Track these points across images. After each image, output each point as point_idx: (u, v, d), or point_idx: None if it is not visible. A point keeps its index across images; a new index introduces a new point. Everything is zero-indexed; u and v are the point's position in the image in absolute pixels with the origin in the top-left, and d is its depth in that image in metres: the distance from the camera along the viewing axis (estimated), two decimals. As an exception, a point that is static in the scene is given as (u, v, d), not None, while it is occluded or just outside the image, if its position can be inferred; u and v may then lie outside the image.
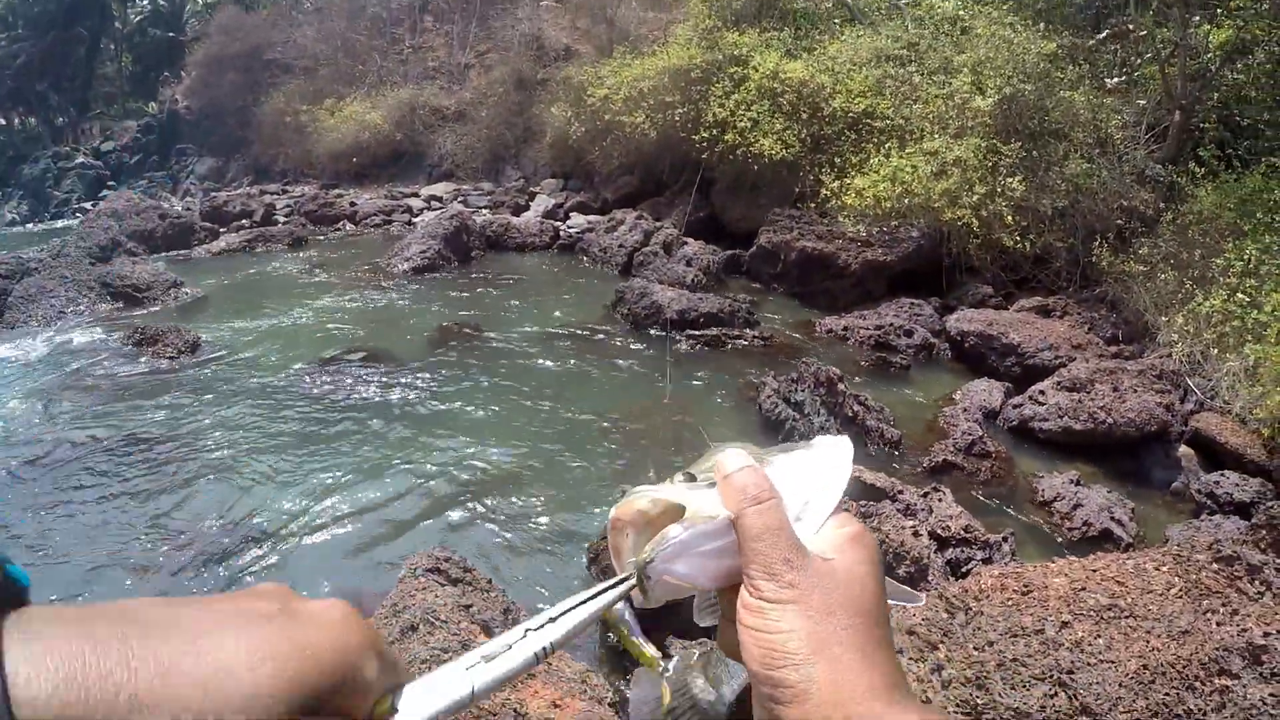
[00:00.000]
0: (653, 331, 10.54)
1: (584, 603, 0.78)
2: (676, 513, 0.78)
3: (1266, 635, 3.03)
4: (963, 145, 11.66)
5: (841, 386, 7.91)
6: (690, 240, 13.44)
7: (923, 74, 13.54)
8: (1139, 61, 13.41)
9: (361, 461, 7.47)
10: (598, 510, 6.57)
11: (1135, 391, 8.07)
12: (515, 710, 3.40)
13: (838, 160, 13.08)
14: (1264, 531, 3.86)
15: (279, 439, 7.97)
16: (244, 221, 18.37)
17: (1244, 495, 6.92)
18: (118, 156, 28.60)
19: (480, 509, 6.66)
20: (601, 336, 10.64)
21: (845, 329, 10.49)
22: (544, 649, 0.74)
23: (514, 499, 6.82)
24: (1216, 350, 8.61)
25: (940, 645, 3.51)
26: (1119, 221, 11.26)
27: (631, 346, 10.33)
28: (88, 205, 20.51)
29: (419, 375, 9.39)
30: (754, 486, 0.75)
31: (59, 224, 19.48)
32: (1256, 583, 3.46)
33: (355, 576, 5.85)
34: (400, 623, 3.69)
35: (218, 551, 6.16)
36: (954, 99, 12.46)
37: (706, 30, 16.15)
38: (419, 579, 4.04)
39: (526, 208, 18.86)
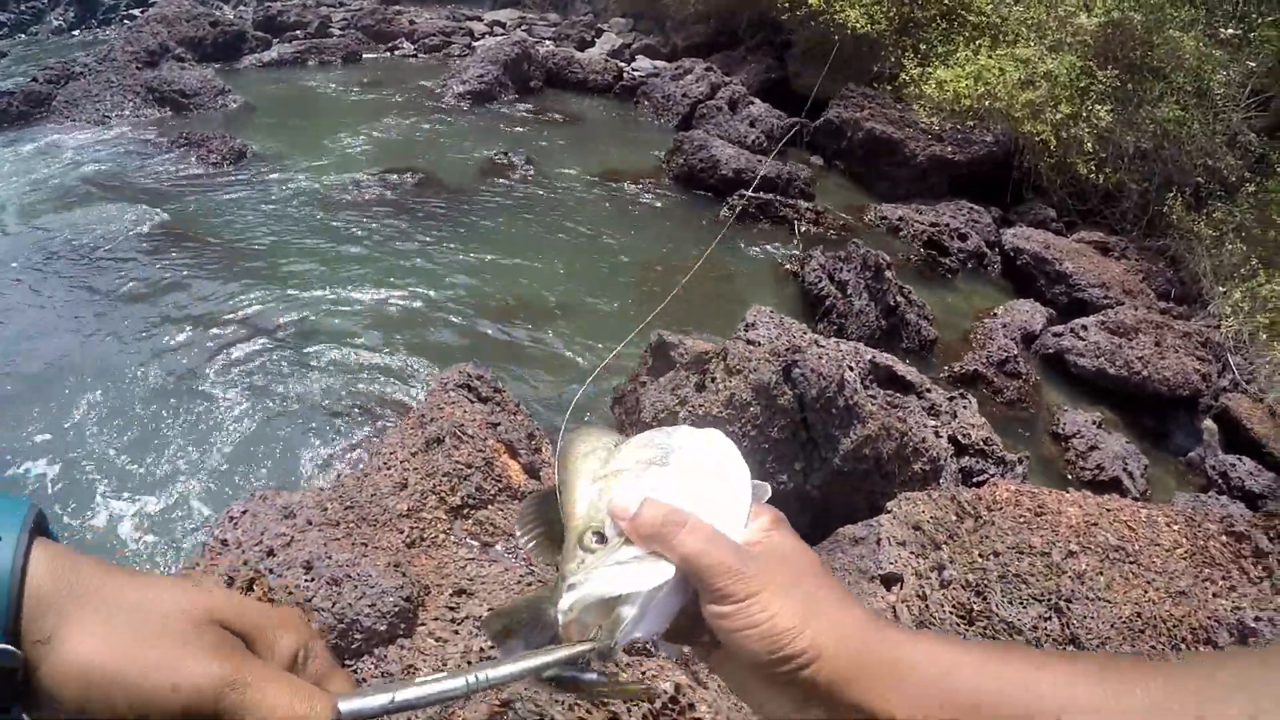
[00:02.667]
0: (704, 192, 10.32)
1: (532, 661, 0.76)
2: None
3: (1258, 619, 3.06)
4: (1057, 60, 11.12)
5: (889, 274, 7.82)
6: (756, 100, 12.93)
7: (1031, -25, 12.83)
8: (1259, 21, 12.60)
9: (399, 274, 7.51)
10: (626, 354, 6.55)
11: (1176, 352, 7.95)
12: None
13: (923, 47, 12.51)
14: (1277, 521, 3.73)
15: (319, 246, 8.03)
16: (297, 33, 17.60)
17: (1255, 485, 6.87)
18: (170, -38, 27.61)
19: (514, 334, 6.74)
20: (652, 186, 10.43)
21: (900, 219, 10.28)
22: (476, 679, 0.76)
23: (548, 331, 6.86)
24: (1266, 335, 8.43)
25: (944, 545, 3.56)
26: (1199, 179, 10.85)
27: (681, 200, 10.16)
28: (136, 11, 19.64)
29: (464, 199, 9.31)
30: (667, 515, 0.77)
31: (107, 31, 18.88)
32: (1259, 566, 3.45)
33: (384, 384, 5.89)
34: (425, 434, 3.66)
35: (252, 351, 6.24)
36: (1058, 9, 11.83)
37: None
38: (449, 393, 4.00)
39: (592, 44, 18.25)
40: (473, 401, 4.00)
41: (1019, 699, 0.68)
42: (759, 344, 4.93)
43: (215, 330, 6.42)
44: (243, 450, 5.25)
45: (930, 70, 11.81)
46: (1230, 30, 12.58)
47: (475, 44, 18.03)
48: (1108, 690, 0.66)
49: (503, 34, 18.34)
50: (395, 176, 9.69)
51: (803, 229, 9.65)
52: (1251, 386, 8.09)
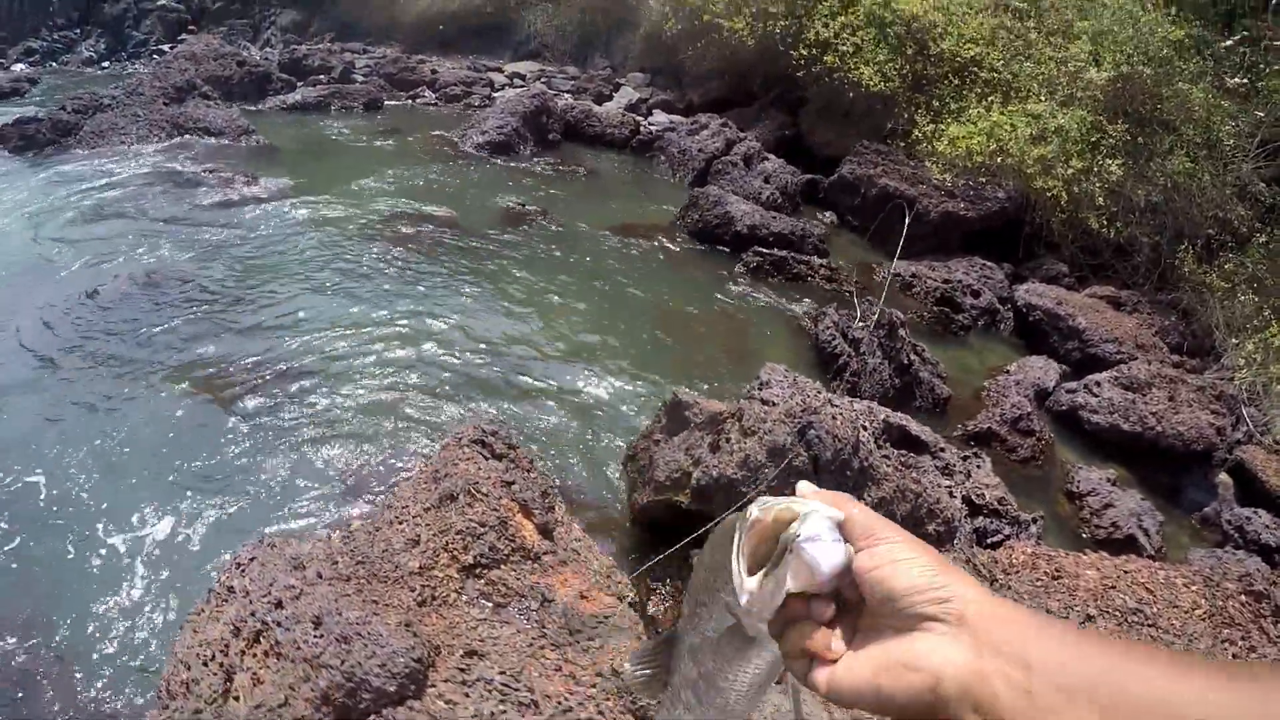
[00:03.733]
0: (720, 247, 10.43)
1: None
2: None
3: None
4: (1068, 115, 11.25)
5: (902, 332, 7.86)
6: (771, 156, 13.07)
7: (1040, 32, 12.96)
8: (1266, 71, 12.67)
9: (415, 319, 7.58)
10: (640, 407, 6.63)
11: (1190, 406, 7.96)
12: (544, 595, 3.42)
13: (936, 104, 12.65)
14: None
15: (335, 288, 8.12)
16: (321, 77, 18.03)
17: (1272, 539, 6.85)
18: (200, 1, 28.29)
19: (527, 386, 6.77)
20: (667, 240, 10.55)
21: (914, 276, 10.31)
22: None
23: (561, 383, 6.90)
24: (1279, 386, 8.46)
25: None
26: (1209, 231, 10.92)
27: (696, 254, 10.28)
28: (166, 48, 20.26)
29: (481, 248, 9.41)
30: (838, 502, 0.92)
31: (136, 65, 19.41)
32: None
33: (398, 432, 5.94)
34: (439, 490, 3.71)
35: (265, 391, 6.31)
36: (1068, 65, 11.98)
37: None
38: (463, 449, 4.05)
39: (609, 98, 18.47)
40: (487, 458, 4.05)
41: (1161, 705, 0.70)
42: (774, 404, 4.95)
43: (228, 369, 6.51)
44: (252, 493, 5.29)
45: (943, 127, 11.94)
46: (1238, 80, 12.67)
47: (495, 95, 18.32)
48: (1239, 697, 0.68)
49: (522, 86, 18.60)
50: (413, 223, 9.84)
51: (816, 285, 9.72)
52: (1266, 438, 8.11)
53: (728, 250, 10.31)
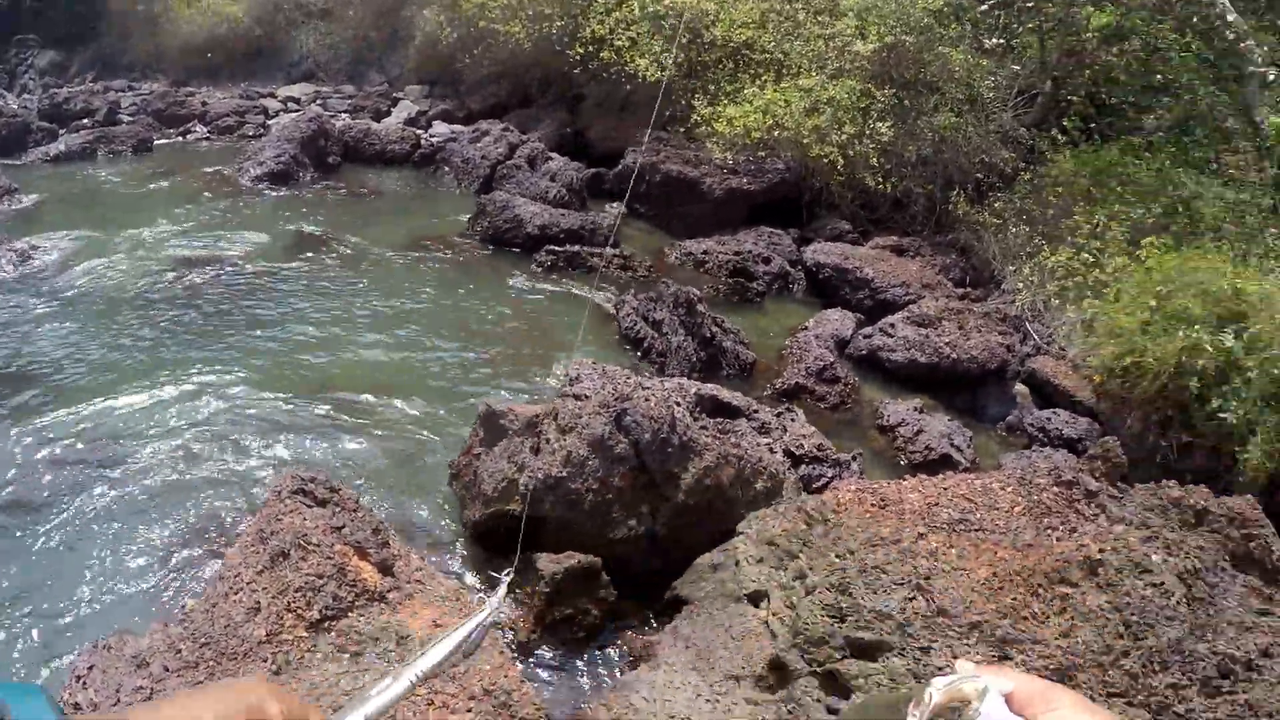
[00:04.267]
0: (513, 249, 10.42)
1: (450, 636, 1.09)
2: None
3: (1102, 551, 3.30)
4: (838, 86, 11.76)
5: (701, 308, 8.09)
6: (555, 156, 13.08)
7: (808, 12, 13.46)
8: (1019, 29, 13.84)
9: (211, 374, 7.09)
10: (459, 421, 6.47)
11: (979, 331, 8.65)
12: (397, 632, 3.34)
13: (712, 88, 12.99)
14: (1098, 462, 4.16)
15: (116, 351, 7.49)
16: (85, 121, 16.63)
17: (1073, 432, 7.63)
18: (-55, 50, 25.86)
19: (341, 423, 6.47)
20: (460, 250, 10.44)
21: (705, 253, 10.62)
22: (417, 677, 1.11)
23: (375, 412, 6.66)
24: (1057, 302, 9.33)
25: (800, 554, 3.68)
26: (978, 175, 11.82)
27: (491, 260, 10.21)
28: None
29: (272, 285, 8.99)
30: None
31: None
32: (1092, 505, 3.79)
33: (212, 496, 5.59)
34: (269, 549, 3.54)
35: (51, 473, 5.74)
36: (836, 40, 12.50)
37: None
38: (285, 501, 3.87)
39: (388, 113, 18.01)
40: (311, 506, 3.88)
41: None
42: (587, 397, 5.04)
43: (15, 464, 5.81)
44: (74, 598, 4.71)
45: (720, 109, 12.23)
46: (995, 40, 13.67)
47: (270, 122, 17.47)
48: None
49: (298, 110, 17.87)
50: (199, 268, 9.27)
51: (613, 275, 9.87)
52: (1052, 348, 9.01)
53: (520, 252, 10.32)
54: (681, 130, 12.79)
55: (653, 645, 3.99)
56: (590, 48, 13.85)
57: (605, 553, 4.62)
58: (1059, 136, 11.79)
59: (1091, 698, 2.72)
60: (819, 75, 12.20)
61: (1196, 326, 7.15)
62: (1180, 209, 10.49)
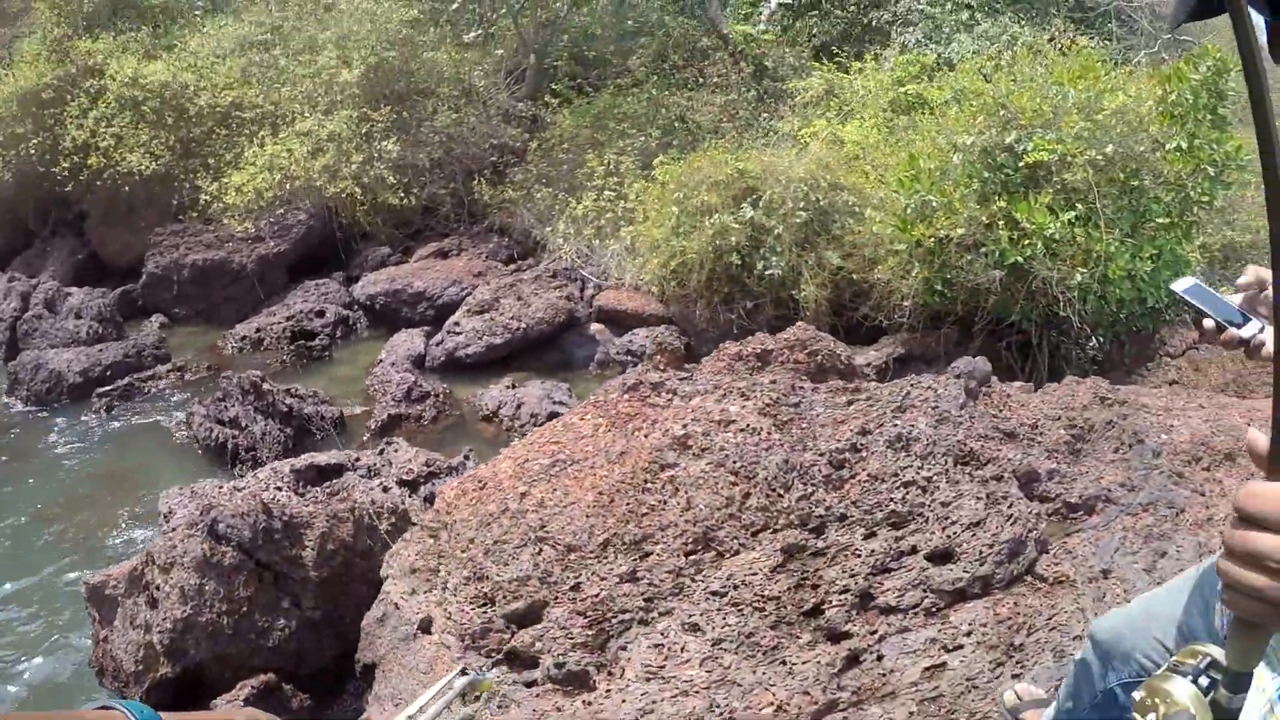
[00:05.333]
0: (62, 405, 9.33)
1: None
2: None
3: (685, 426, 3.64)
4: (335, 120, 11.61)
5: (267, 386, 7.90)
6: (75, 290, 11.83)
7: (288, 56, 13.13)
8: (495, 17, 14.50)
9: None
10: (53, 604, 5.86)
11: (538, 295, 9.12)
12: None
13: (212, 161, 12.36)
14: (658, 357, 4.57)
15: None
16: None
17: (644, 343, 8.14)
18: None
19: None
20: (7, 425, 9.18)
21: (258, 330, 10.22)
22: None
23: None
24: (599, 241, 9.91)
25: (440, 565, 3.73)
26: (493, 159, 12.29)
27: (42, 426, 9.04)
28: None
29: None
30: None
31: None
32: (664, 394, 4.06)
33: None
34: None
35: None
36: (321, 76, 12.33)
37: (56, 40, 13.91)
38: None
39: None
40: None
41: None
42: (177, 526, 4.81)
43: None
44: None
45: (226, 180, 11.63)
46: (473, 33, 14.16)
47: None
48: None
49: None
50: None
51: (171, 390, 9.34)
52: (609, 281, 9.56)
53: (71, 402, 9.30)
54: (195, 215, 12.05)
55: (365, 721, 3.95)
56: (76, 158, 12.58)
57: (277, 663, 4.45)
58: (553, 100, 12.55)
59: (739, 542, 3.19)
60: (314, 115, 12.00)
61: (717, 214, 7.96)
62: (677, 125, 11.29)
